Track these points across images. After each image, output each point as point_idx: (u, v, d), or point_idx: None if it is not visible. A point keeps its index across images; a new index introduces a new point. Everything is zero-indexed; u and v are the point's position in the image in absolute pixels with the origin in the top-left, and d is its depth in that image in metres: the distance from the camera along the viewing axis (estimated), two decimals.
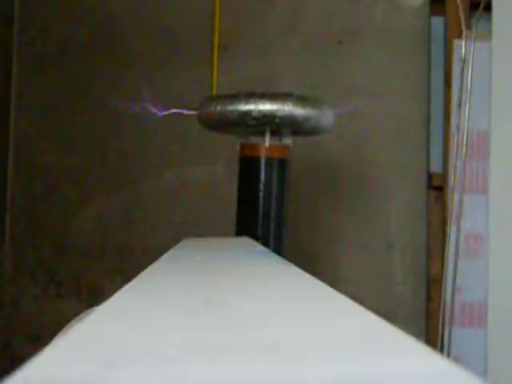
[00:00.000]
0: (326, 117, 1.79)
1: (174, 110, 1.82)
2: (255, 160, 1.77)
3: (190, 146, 2.87)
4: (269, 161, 1.76)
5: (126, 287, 0.65)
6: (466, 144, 2.45)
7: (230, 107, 1.72)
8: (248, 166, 1.80)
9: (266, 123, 1.71)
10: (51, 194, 3.03)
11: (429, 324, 2.66)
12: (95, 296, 2.92)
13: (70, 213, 3.01)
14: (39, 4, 3.07)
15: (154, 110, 1.92)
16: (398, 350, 0.42)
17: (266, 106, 1.69)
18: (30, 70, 3.07)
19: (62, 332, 0.97)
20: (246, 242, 1.42)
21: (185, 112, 1.83)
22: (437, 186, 2.68)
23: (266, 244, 1.60)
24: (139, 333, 0.44)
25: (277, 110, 1.69)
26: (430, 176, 2.71)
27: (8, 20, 3.06)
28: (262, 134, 1.75)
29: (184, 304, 0.58)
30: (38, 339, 2.93)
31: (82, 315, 1.05)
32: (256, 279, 0.81)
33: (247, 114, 1.69)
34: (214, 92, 2.81)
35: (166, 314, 0.53)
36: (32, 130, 3.05)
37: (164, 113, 1.91)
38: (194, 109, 1.83)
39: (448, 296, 2.38)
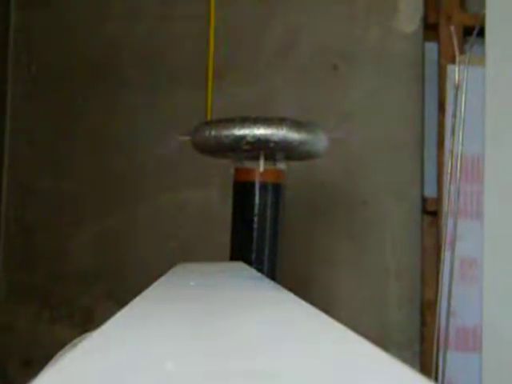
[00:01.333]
0: (320, 141, 1.79)
1: (169, 138, 1.82)
2: (249, 184, 1.76)
3: (184, 171, 2.87)
4: (263, 185, 1.76)
5: (120, 314, 0.64)
6: (460, 168, 2.46)
7: (225, 132, 1.72)
8: (242, 191, 1.80)
9: (261, 148, 1.71)
10: (45, 219, 3.03)
11: (423, 348, 2.65)
12: (89, 321, 2.90)
13: (64, 237, 3.00)
14: (34, 30, 3.08)
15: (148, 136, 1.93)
16: (395, 381, 0.42)
17: (261, 131, 1.69)
18: (25, 94, 3.08)
19: (55, 358, 0.96)
20: (240, 267, 1.41)
21: (179, 138, 1.83)
22: (431, 211, 2.68)
23: (260, 269, 1.59)
24: (133, 362, 0.44)
25: (271, 135, 1.69)
26: (424, 201, 2.71)
27: (3, 44, 3.06)
28: (257, 158, 1.75)
29: (178, 331, 0.57)
30: (32, 363, 2.91)
31: (75, 341, 1.04)
32: (249, 306, 0.80)
33: (242, 138, 1.69)
34: (209, 117, 2.81)
35: (161, 341, 0.52)
36: (27, 154, 3.05)
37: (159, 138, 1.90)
38: (189, 134, 1.83)
39: (442, 320, 2.37)
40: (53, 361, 0.94)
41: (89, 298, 2.94)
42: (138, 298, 0.76)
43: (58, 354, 0.99)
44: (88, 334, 0.82)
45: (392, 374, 0.44)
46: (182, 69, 2.94)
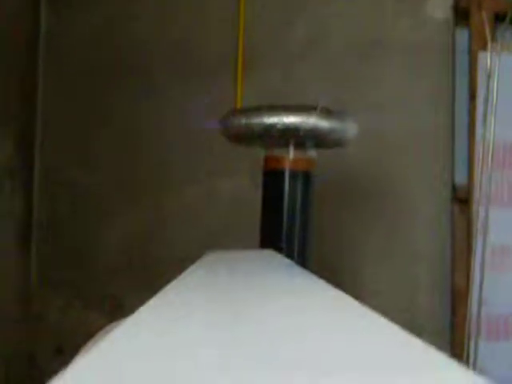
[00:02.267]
0: (349, 129, 1.79)
1: (200, 121, 1.82)
2: (279, 173, 1.76)
3: (214, 159, 2.87)
4: (293, 173, 1.75)
5: (150, 302, 0.64)
6: (492, 156, 2.44)
7: (255, 120, 1.71)
8: (272, 179, 1.79)
9: (290, 136, 1.71)
10: (76, 211, 3.05)
11: (454, 337, 2.63)
12: (118, 309, 2.92)
13: (94, 228, 3.02)
14: (63, 28, 3.09)
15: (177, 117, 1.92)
16: (432, 368, 0.41)
17: (290, 119, 1.69)
18: (56, 91, 3.09)
19: (87, 345, 0.96)
20: (271, 254, 1.41)
21: (210, 125, 1.83)
22: (462, 199, 2.66)
23: (290, 257, 1.59)
24: (168, 350, 0.44)
25: (301, 123, 1.69)
26: (454, 188, 2.69)
27: (34, 44, 3.08)
28: (287, 146, 1.75)
29: (211, 319, 0.57)
30: (63, 352, 2.93)
31: (107, 328, 1.04)
32: (281, 293, 0.80)
33: (271, 126, 1.69)
34: (239, 106, 2.81)
35: (194, 329, 0.52)
36: (57, 149, 3.06)
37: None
38: (219, 122, 1.83)
39: (474, 309, 2.35)
40: (84, 348, 0.94)
41: (118, 287, 2.95)
42: (168, 287, 0.76)
43: (90, 342, 0.99)
44: (119, 322, 0.82)
45: (427, 361, 0.43)
46: (212, 58, 2.93)
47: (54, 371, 0.44)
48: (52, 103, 3.10)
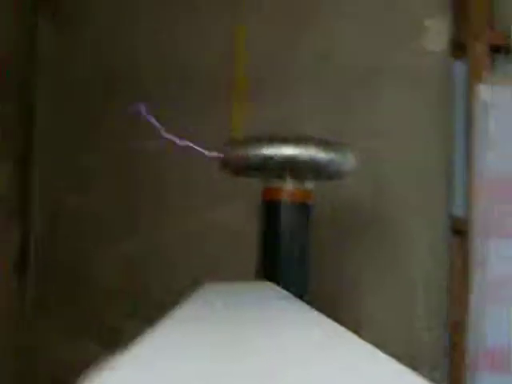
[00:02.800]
0: (348, 161, 1.78)
1: (194, 146, 1.81)
2: (277, 204, 1.75)
3: (211, 190, 2.86)
4: (291, 205, 1.75)
5: (147, 334, 0.63)
6: (490, 189, 2.44)
7: (253, 151, 1.71)
8: (269, 210, 1.79)
9: (288, 167, 1.70)
10: (73, 236, 3.04)
11: (452, 369, 2.61)
12: (114, 339, 2.90)
13: (90, 254, 3.01)
14: (59, 44, 3.10)
15: (174, 144, 1.92)
16: None
17: (289, 151, 1.68)
18: (52, 110, 3.10)
19: (81, 379, 0.95)
20: (268, 286, 1.40)
21: (206, 153, 1.82)
22: (460, 230, 2.65)
23: (287, 288, 1.58)
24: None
25: (299, 155, 1.68)
26: (452, 220, 2.69)
27: (30, 59, 3.09)
28: (284, 177, 1.74)
29: (208, 353, 0.56)
30: (59, 381, 2.91)
31: (102, 362, 1.03)
32: (278, 327, 0.79)
33: (269, 158, 1.69)
34: (236, 134, 2.80)
35: (190, 363, 0.51)
36: (55, 169, 3.06)
37: (182, 143, 1.89)
38: (216, 153, 1.82)
39: (472, 341, 2.34)
40: (79, 382, 0.93)
41: (115, 315, 2.94)
42: (164, 318, 0.75)
43: (84, 374, 0.98)
44: (114, 355, 0.81)
45: None
46: (209, 85, 2.94)
47: None
48: (50, 124, 3.10)
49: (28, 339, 3.01)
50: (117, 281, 2.97)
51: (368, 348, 0.62)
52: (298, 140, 1.71)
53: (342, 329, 0.75)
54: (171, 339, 0.64)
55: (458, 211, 2.67)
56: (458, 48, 2.73)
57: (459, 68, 2.73)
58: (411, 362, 0.60)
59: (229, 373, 0.48)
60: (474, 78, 2.64)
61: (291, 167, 1.70)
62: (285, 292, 1.32)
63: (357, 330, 0.73)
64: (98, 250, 3.01)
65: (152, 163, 2.96)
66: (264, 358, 0.55)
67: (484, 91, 2.57)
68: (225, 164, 1.82)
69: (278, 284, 1.59)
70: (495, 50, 2.63)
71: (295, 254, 1.76)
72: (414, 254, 2.75)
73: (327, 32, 2.89)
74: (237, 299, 1.10)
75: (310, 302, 1.33)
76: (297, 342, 0.67)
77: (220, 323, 0.78)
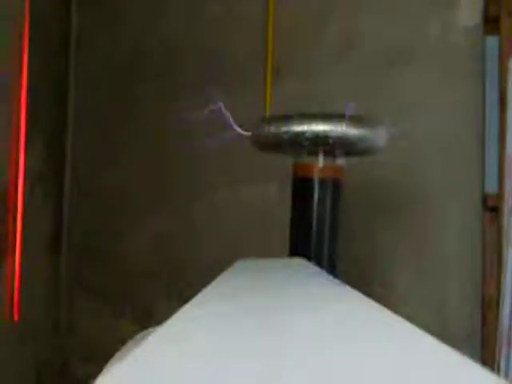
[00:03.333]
0: (379, 137, 1.77)
1: (226, 136, 1.82)
2: (308, 181, 1.75)
3: (242, 166, 2.87)
4: (322, 181, 1.75)
5: (182, 310, 0.64)
6: None
7: (283, 128, 1.71)
8: (301, 187, 1.79)
9: (320, 144, 1.70)
10: (105, 215, 3.06)
11: (485, 346, 2.61)
12: (149, 317, 2.93)
13: (122, 236, 3.03)
14: (94, 30, 3.12)
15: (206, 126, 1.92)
16: (464, 376, 0.41)
17: (320, 127, 1.68)
18: (85, 95, 3.12)
19: (117, 354, 0.96)
20: (301, 263, 1.40)
21: (239, 131, 1.83)
22: (492, 207, 2.63)
23: (319, 265, 1.58)
24: (201, 359, 0.43)
25: (330, 131, 1.68)
26: (484, 197, 2.66)
27: (65, 47, 3.11)
28: (316, 154, 1.74)
29: (244, 329, 0.57)
30: (94, 360, 2.94)
31: (138, 337, 1.04)
32: (311, 301, 0.79)
33: (300, 134, 1.68)
34: (268, 113, 2.81)
35: (225, 337, 0.52)
36: (87, 154, 3.09)
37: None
38: (248, 130, 1.83)
39: (505, 319, 2.33)
40: (115, 358, 0.94)
41: (148, 295, 2.96)
42: (199, 295, 0.75)
43: (120, 352, 0.99)
44: (150, 330, 0.82)
45: (459, 369, 0.43)
46: (241, 66, 2.94)
47: (86, 380, 0.44)
48: (83, 106, 3.13)
49: (63, 314, 3.05)
50: (149, 261, 3.00)
51: (402, 322, 0.62)
52: (328, 116, 1.71)
53: (375, 304, 0.75)
54: (205, 317, 0.64)
55: (491, 187, 2.65)
56: (491, 23, 2.69)
57: (491, 43, 2.70)
58: (444, 337, 0.60)
59: (262, 349, 0.48)
60: (506, 53, 2.61)
61: (322, 144, 1.70)
62: (318, 268, 1.32)
63: (389, 307, 0.73)
64: (129, 229, 3.03)
65: (182, 142, 2.98)
66: (298, 335, 0.55)
67: None
68: (257, 141, 1.82)
69: (310, 260, 1.59)
70: None
71: (327, 230, 1.76)
72: (446, 231, 2.74)
73: (356, 11, 2.87)
74: (271, 276, 1.10)
75: (341, 279, 1.33)
76: (331, 317, 0.67)
77: (255, 300, 0.78)
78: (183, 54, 3.03)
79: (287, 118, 1.72)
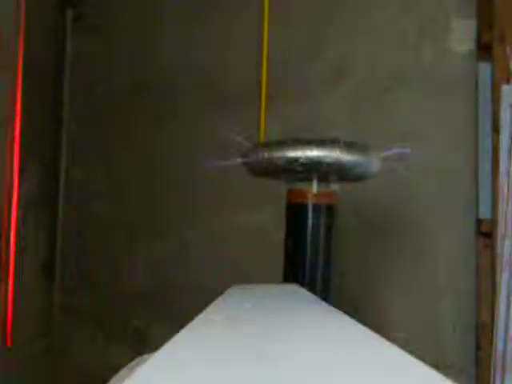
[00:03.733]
0: (373, 163, 1.78)
1: (220, 163, 1.83)
2: (302, 206, 1.76)
3: (236, 192, 2.87)
4: (316, 207, 1.75)
5: (177, 337, 0.64)
6: None
7: (278, 154, 1.71)
8: (295, 213, 1.79)
9: (314, 169, 1.71)
10: (100, 240, 3.06)
11: (479, 372, 2.60)
12: (142, 343, 2.91)
13: (118, 258, 3.03)
14: (88, 54, 3.13)
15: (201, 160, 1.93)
16: None
17: (314, 153, 1.68)
18: (81, 120, 3.13)
19: (112, 381, 0.96)
20: (295, 289, 1.40)
21: (231, 162, 1.84)
22: (486, 233, 2.64)
23: (313, 291, 1.58)
24: None
25: (324, 157, 1.68)
26: (478, 222, 2.67)
27: (59, 70, 3.12)
28: (310, 180, 1.75)
29: (235, 356, 0.57)
30: None
31: (132, 364, 1.04)
32: (306, 328, 0.80)
33: (295, 160, 1.69)
34: (262, 139, 2.82)
35: (218, 365, 0.52)
36: (82, 178, 3.09)
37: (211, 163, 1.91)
38: (241, 156, 1.83)
39: (499, 344, 2.32)
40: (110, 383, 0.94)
41: (142, 320, 2.95)
42: (195, 321, 0.75)
43: (113, 378, 0.98)
44: (145, 357, 0.82)
45: None
46: (235, 92, 2.95)
47: None
48: (78, 132, 3.13)
49: (56, 340, 3.03)
50: (143, 286, 2.99)
51: (396, 351, 0.62)
52: (322, 142, 1.71)
53: (369, 331, 0.75)
54: (200, 342, 0.64)
55: (484, 213, 2.65)
56: (484, 49, 2.71)
57: (485, 69, 2.71)
58: (438, 364, 0.60)
59: (256, 376, 0.48)
60: (499, 78, 2.62)
61: (316, 169, 1.70)
62: (311, 294, 1.32)
63: (382, 333, 0.73)
64: (123, 256, 3.03)
65: (178, 172, 2.98)
66: (292, 362, 0.55)
67: (509, 93, 2.55)
68: (251, 167, 1.83)
69: (304, 286, 1.59)
70: None
71: (321, 256, 1.76)
72: (440, 256, 2.74)
73: (350, 38, 2.88)
74: (265, 302, 1.10)
75: (335, 305, 1.33)
76: (325, 344, 0.67)
77: (249, 326, 0.78)
78: (178, 83, 3.04)
79: (281, 144, 1.73)
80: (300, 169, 1.69)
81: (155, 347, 0.59)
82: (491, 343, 2.45)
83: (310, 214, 1.75)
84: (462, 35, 2.76)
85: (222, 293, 1.14)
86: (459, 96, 2.75)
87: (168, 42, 3.09)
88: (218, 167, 2.62)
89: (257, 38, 2.96)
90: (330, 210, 1.78)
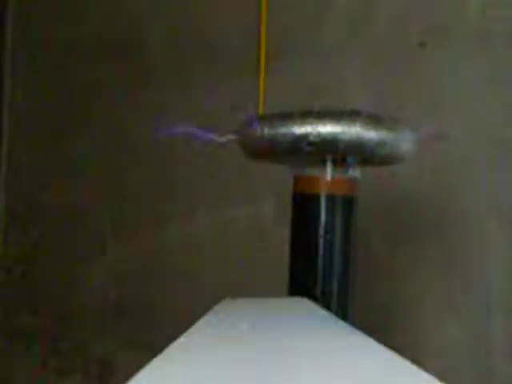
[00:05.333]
0: (404, 141, 1.78)
1: (207, 139, 1.83)
2: (314, 198, 1.76)
3: (228, 179, 2.87)
4: (331, 199, 1.75)
5: (151, 366, 0.64)
6: None
7: (281, 130, 1.71)
8: (304, 206, 1.79)
9: (327, 150, 1.71)
10: (52, 242, 3.06)
11: None
12: (106, 373, 2.92)
13: (75, 265, 3.03)
14: (36, 3, 3.13)
15: (183, 132, 1.93)
16: None
17: (327, 128, 1.69)
18: (25, 84, 3.12)
19: None
20: (303, 303, 1.41)
21: (223, 139, 1.84)
22: None
23: (327, 306, 1.59)
24: None
25: (341, 133, 1.68)
26: None
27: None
28: (322, 163, 1.75)
29: None
30: None
31: None
32: (318, 355, 0.80)
33: (303, 138, 1.69)
34: (261, 110, 2.82)
35: None
36: (27, 162, 3.08)
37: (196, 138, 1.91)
38: (235, 132, 1.83)
39: None
40: None
41: (107, 343, 2.96)
42: (174, 344, 0.76)
43: None
44: None
45: None
46: (226, 48, 2.95)
47: None
48: (21, 104, 3.13)
49: (3, 370, 3.04)
50: (107, 299, 2.99)
51: (428, 380, 0.63)
52: (339, 114, 1.71)
53: (397, 358, 0.76)
54: (182, 373, 0.65)
55: None
56: None
57: None
58: None
59: None
60: None
61: (331, 150, 1.71)
62: (325, 311, 1.32)
63: (417, 361, 0.73)
64: (84, 261, 3.03)
65: (154, 152, 2.98)
66: None
67: None
68: (246, 147, 1.82)
69: (316, 300, 1.60)
70: None
71: (337, 261, 1.77)
72: (490, 261, 2.74)
73: None
74: (265, 320, 1.10)
75: (355, 323, 1.34)
76: (341, 375, 0.68)
77: (245, 352, 0.78)
78: (152, 38, 3.04)
79: (285, 117, 1.73)
80: (310, 149, 1.69)
81: (124, 379, 0.60)
82: None
83: (322, 208, 1.75)
84: None
85: (209, 309, 1.14)
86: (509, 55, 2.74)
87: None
88: (205, 147, 2.63)
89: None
90: (349, 202, 1.79)
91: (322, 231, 1.74)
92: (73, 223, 3.07)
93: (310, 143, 1.68)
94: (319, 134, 1.67)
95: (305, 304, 1.40)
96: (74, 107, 3.10)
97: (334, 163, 1.75)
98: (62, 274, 3.06)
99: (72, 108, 3.10)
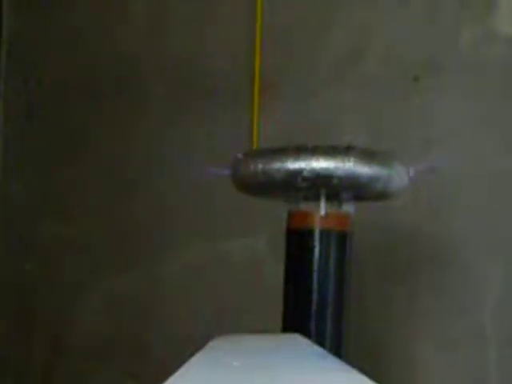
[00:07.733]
0: (397, 177, 1.78)
1: (202, 177, 1.83)
2: (307, 233, 1.76)
3: (222, 214, 2.87)
4: (325, 234, 1.75)
5: None
6: None
7: (275, 165, 1.71)
8: (298, 241, 1.79)
9: (321, 185, 1.71)
10: (47, 275, 3.05)
11: None
12: None
13: (69, 299, 3.02)
14: (31, 36, 3.13)
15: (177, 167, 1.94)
16: None
17: (321, 164, 1.69)
18: (19, 121, 3.12)
19: None
20: (296, 340, 1.41)
21: (216, 173, 1.84)
22: None
23: (321, 343, 1.58)
24: None
25: (335, 169, 1.68)
26: None
27: None
28: (316, 199, 1.75)
29: None
30: None
31: None
32: None
33: (297, 173, 1.69)
34: (255, 145, 2.81)
35: None
36: (23, 195, 3.08)
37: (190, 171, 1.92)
38: (230, 168, 1.83)
39: None
40: None
41: (101, 379, 2.94)
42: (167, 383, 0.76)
43: None
44: None
45: None
46: (221, 85, 2.95)
47: None
48: (15, 138, 3.13)
49: None
50: (102, 333, 2.98)
51: None
52: (332, 150, 1.71)
53: None
54: None
55: None
56: None
57: None
58: None
59: None
60: None
61: (325, 185, 1.71)
62: (319, 348, 1.32)
63: None
64: (78, 295, 3.02)
65: (148, 186, 2.98)
66: None
67: None
68: (240, 182, 1.82)
69: (310, 336, 1.59)
70: None
71: (331, 296, 1.77)
72: (485, 294, 2.73)
73: (365, 14, 2.88)
74: (258, 357, 1.10)
75: (349, 360, 1.33)
76: None
77: None
78: (146, 73, 3.04)
79: (279, 152, 1.73)
80: (304, 184, 1.70)
81: None
82: None
83: (316, 243, 1.75)
84: (510, 11, 2.76)
85: (202, 345, 1.14)
86: (507, 86, 2.74)
87: (133, 19, 3.09)
88: (199, 182, 2.64)
89: (249, 12, 2.96)
90: (343, 237, 1.79)
91: (315, 266, 1.74)
92: (69, 257, 3.06)
93: (304, 178, 1.68)
94: (313, 170, 1.67)
95: (297, 340, 1.40)
96: (68, 139, 3.09)
97: (328, 198, 1.75)
98: (56, 307, 3.05)
99: (65, 140, 3.10)
